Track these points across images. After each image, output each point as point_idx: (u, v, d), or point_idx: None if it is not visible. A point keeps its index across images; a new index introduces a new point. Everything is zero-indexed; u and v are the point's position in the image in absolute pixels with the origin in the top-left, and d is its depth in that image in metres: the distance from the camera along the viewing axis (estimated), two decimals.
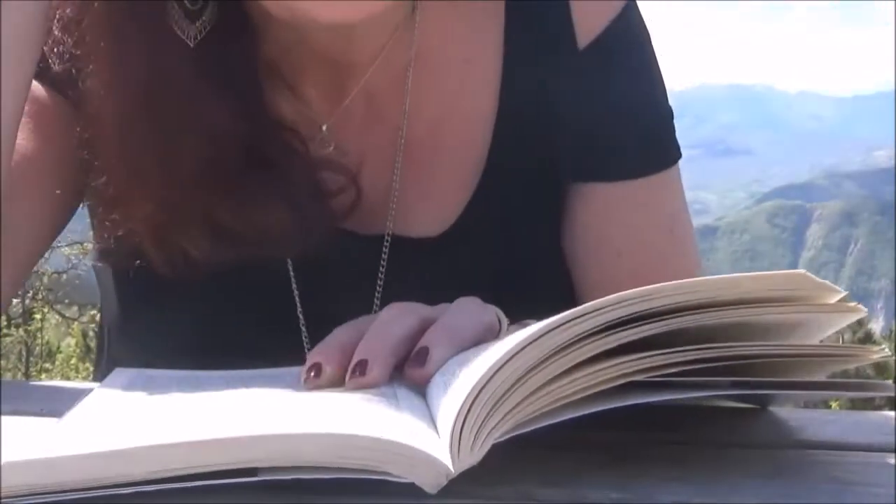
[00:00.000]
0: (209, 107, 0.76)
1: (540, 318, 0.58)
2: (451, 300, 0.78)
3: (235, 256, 0.78)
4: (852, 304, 0.52)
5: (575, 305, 0.86)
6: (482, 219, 0.83)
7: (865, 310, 0.53)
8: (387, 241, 0.82)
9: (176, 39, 0.75)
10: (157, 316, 0.84)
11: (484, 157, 0.84)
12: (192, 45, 0.75)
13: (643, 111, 0.87)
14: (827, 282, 0.51)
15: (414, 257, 0.83)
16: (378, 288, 0.82)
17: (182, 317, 0.82)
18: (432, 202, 0.84)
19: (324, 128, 0.82)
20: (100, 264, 0.88)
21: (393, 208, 0.83)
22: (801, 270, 0.50)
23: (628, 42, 0.87)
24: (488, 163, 0.84)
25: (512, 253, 0.84)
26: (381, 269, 0.82)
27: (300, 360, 0.80)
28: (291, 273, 0.83)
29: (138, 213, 0.77)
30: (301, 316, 0.82)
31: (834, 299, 0.52)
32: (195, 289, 0.81)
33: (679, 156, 0.89)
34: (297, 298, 0.82)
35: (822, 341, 0.57)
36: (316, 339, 0.81)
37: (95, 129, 0.77)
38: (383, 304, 0.81)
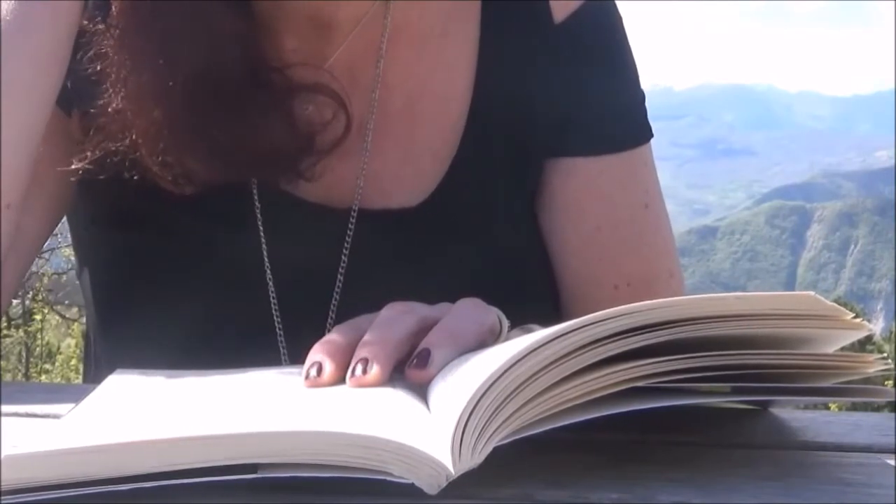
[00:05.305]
0: (208, 25, 0.76)
1: (540, 319, 0.58)
2: (423, 273, 0.78)
3: (229, 176, 0.79)
4: (858, 320, 0.52)
5: (550, 280, 0.87)
6: (458, 191, 0.84)
7: (872, 327, 0.53)
8: (353, 214, 0.83)
9: None
10: (129, 310, 0.85)
11: (461, 130, 0.85)
12: None
13: (618, 87, 0.89)
14: (836, 304, 0.51)
15: (384, 230, 0.83)
16: (343, 262, 0.82)
17: (155, 297, 0.83)
18: (408, 174, 0.85)
19: (308, 81, 0.82)
20: (83, 271, 0.89)
21: (361, 180, 0.83)
22: (811, 293, 0.50)
23: (603, 21, 0.89)
24: (465, 136, 0.85)
25: (487, 226, 0.85)
26: (346, 242, 0.82)
27: (272, 337, 0.81)
28: (264, 247, 0.83)
29: (139, 125, 0.76)
30: (271, 284, 0.82)
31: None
32: (166, 268, 0.82)
33: (651, 135, 0.91)
34: (268, 273, 0.82)
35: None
36: (286, 314, 0.81)
37: (103, 41, 0.77)
38: (347, 277, 0.82)
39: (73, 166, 0.79)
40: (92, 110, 0.78)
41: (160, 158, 0.77)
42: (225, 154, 0.78)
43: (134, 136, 0.77)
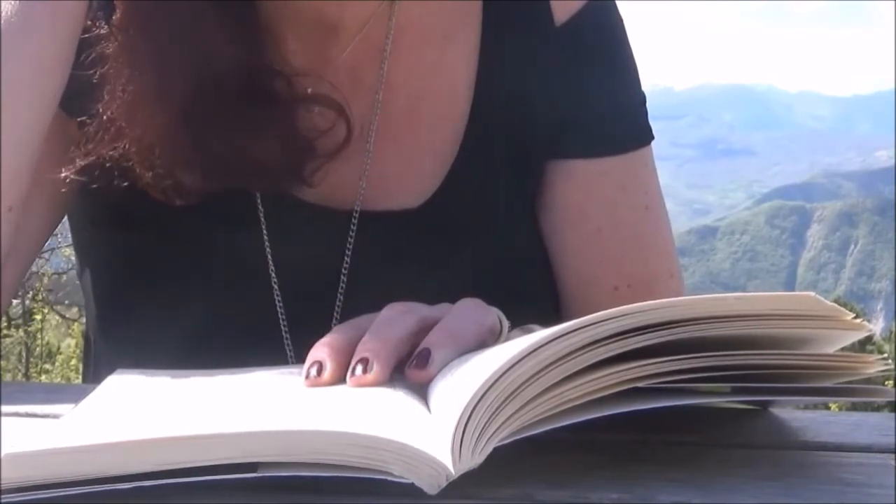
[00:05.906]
0: (210, 31, 0.76)
1: (540, 319, 0.58)
2: (425, 274, 0.78)
3: (228, 184, 0.79)
4: (858, 321, 0.52)
5: (550, 280, 0.87)
6: (460, 192, 0.84)
7: (872, 327, 0.53)
8: (355, 215, 0.83)
9: None
10: (131, 311, 0.84)
11: (462, 131, 0.85)
12: None
13: (619, 88, 0.89)
14: (836, 305, 0.51)
15: (386, 232, 0.83)
16: (345, 263, 0.82)
17: (156, 297, 0.83)
18: (410, 175, 0.85)
19: (308, 90, 0.82)
20: (83, 271, 0.89)
21: (363, 182, 0.83)
22: (811, 293, 0.50)
23: (604, 23, 0.89)
24: (466, 137, 0.85)
25: (488, 227, 0.85)
26: (348, 243, 0.83)
27: (277, 338, 0.80)
28: (268, 248, 0.83)
29: (133, 135, 0.76)
30: (276, 286, 0.82)
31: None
32: (169, 268, 0.83)
33: (652, 137, 0.91)
34: (273, 274, 0.82)
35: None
36: (291, 315, 0.81)
37: (103, 48, 0.77)
38: (350, 278, 0.82)
39: (62, 174, 0.79)
40: (87, 118, 0.78)
41: (150, 167, 0.77)
42: (221, 165, 0.78)
43: (126, 146, 0.77)
